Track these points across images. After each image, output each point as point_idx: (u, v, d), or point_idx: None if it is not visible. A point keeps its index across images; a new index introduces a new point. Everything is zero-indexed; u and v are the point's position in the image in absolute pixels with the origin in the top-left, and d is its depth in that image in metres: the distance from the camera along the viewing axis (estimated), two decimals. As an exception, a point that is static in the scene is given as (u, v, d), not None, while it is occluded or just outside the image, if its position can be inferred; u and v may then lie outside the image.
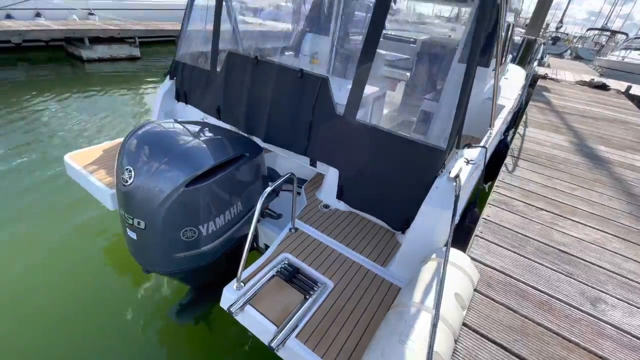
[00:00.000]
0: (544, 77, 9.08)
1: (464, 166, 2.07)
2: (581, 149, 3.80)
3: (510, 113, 4.03)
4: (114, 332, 2.45)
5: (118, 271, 2.90)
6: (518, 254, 1.98)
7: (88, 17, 9.93)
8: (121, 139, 3.14)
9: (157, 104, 3.42)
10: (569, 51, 22.19)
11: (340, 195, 2.43)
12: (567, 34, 28.67)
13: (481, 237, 2.08)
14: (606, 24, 29.44)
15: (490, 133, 2.79)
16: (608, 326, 1.56)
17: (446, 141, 1.97)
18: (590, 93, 7.74)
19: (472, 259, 1.90)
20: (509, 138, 4.13)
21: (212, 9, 2.91)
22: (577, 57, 19.08)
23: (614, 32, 20.08)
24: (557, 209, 2.50)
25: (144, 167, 1.78)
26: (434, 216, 1.92)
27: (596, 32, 22.91)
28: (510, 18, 3.90)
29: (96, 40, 8.85)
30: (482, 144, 2.44)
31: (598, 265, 1.95)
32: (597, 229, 2.30)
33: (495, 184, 2.78)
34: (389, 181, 2.18)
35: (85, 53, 8.61)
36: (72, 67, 8.50)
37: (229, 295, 1.74)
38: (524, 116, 4.89)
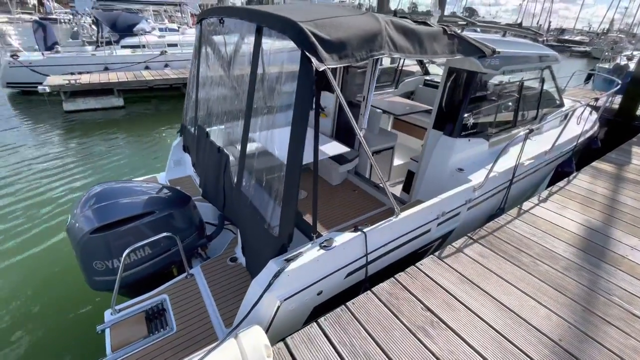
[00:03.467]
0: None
1: (313, 251, 2.11)
2: (589, 239, 3.02)
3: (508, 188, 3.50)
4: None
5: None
6: (339, 354, 1.88)
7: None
8: (156, 175, 4.17)
9: (170, 153, 4.37)
10: None
11: (243, 252, 2.74)
12: None
13: (318, 325, 2.05)
14: None
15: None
16: None
17: (277, 229, 2.08)
18: None
19: (285, 344, 1.94)
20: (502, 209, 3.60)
21: (205, 79, 3.61)
22: None
23: None
24: (449, 313, 2.18)
25: (77, 214, 2.54)
26: (255, 293, 2.01)
27: None
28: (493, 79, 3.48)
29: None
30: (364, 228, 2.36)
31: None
32: (474, 349, 1.93)
33: (407, 269, 2.58)
34: (256, 249, 2.39)
35: (191, 94, 11.01)
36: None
37: (105, 317, 2.29)
38: (563, 183, 4.07)
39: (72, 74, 10.49)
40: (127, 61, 11.59)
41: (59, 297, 3.60)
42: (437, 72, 6.30)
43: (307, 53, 1.85)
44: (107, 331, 2.22)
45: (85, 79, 9.95)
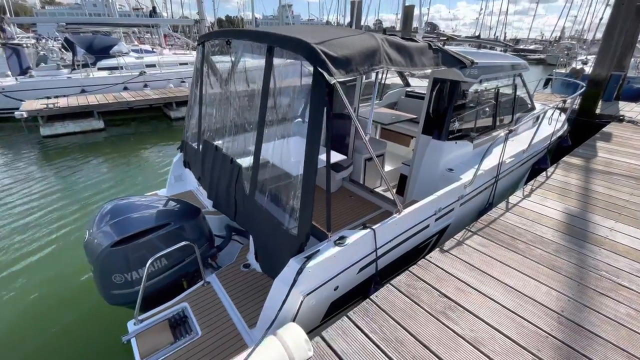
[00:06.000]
0: (620, 119, 7.77)
1: (330, 248, 2.27)
2: (572, 225, 3.36)
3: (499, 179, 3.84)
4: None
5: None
6: (373, 341, 2.05)
7: (180, 84, 12.66)
8: (157, 192, 4.19)
9: (170, 169, 4.42)
10: None
11: (256, 257, 2.86)
12: None
13: (348, 318, 2.22)
14: None
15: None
16: None
17: (296, 229, 2.24)
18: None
19: (322, 337, 2.08)
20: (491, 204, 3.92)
21: (209, 97, 3.74)
22: None
23: None
24: (464, 297, 2.40)
25: (94, 230, 2.60)
26: (281, 291, 2.15)
27: None
28: (475, 86, 3.85)
29: (182, 103, 11.21)
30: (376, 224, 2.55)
31: (449, 368, 1.90)
32: (492, 327, 2.16)
33: (419, 262, 2.79)
34: (274, 252, 2.52)
35: (173, 113, 10.98)
36: (166, 124, 10.93)
37: (129, 328, 2.36)
38: (542, 177, 4.46)
39: (47, 97, 10.21)
40: (105, 82, 11.42)
41: (70, 320, 3.55)
42: (416, 84, 6.73)
43: (319, 69, 2.07)
44: (133, 341, 2.28)
45: (63, 102, 9.71)
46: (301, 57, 2.17)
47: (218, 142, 3.39)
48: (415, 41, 2.99)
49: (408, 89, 6.45)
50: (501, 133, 4.50)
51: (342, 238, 2.38)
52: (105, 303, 2.72)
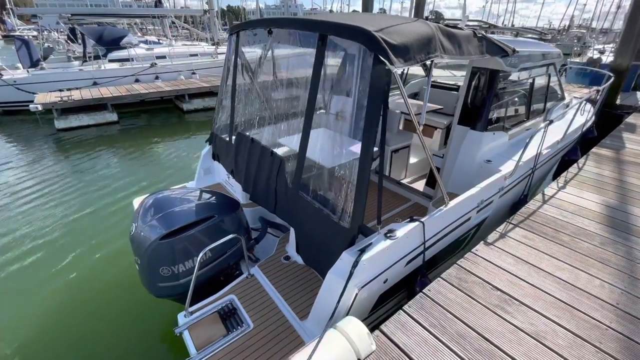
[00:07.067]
0: (641, 110, 7.65)
1: (382, 241, 2.26)
2: (613, 217, 3.33)
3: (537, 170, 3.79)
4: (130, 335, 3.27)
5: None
6: (434, 335, 2.05)
7: (191, 76, 12.56)
8: (185, 184, 4.20)
9: (199, 162, 4.40)
10: None
11: (298, 250, 2.85)
12: None
13: (405, 312, 2.21)
14: None
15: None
16: None
17: (348, 222, 2.22)
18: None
19: (381, 331, 2.08)
20: (527, 195, 3.88)
21: (243, 88, 3.69)
22: None
23: None
24: (518, 290, 2.39)
25: (140, 224, 2.60)
26: (335, 284, 2.14)
27: None
28: (515, 76, 3.78)
29: (194, 95, 11.14)
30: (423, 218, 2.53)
31: (512, 358, 1.89)
32: (551, 320, 2.15)
33: (466, 255, 2.78)
34: (320, 244, 2.52)
35: (185, 106, 10.91)
36: (178, 117, 10.88)
37: (179, 320, 2.37)
38: (574, 169, 4.41)
39: (60, 90, 10.18)
40: (117, 75, 11.36)
41: (110, 318, 3.57)
42: (437, 74, 6.63)
43: (380, 57, 2.02)
44: (186, 333, 2.30)
45: (77, 95, 9.68)
46: (361, 45, 2.12)
47: (254, 134, 3.36)
48: (461, 29, 2.92)
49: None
50: (537, 123, 4.44)
51: (392, 231, 2.36)
52: (144, 296, 2.73)
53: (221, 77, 3.95)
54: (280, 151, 3.07)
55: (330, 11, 36.23)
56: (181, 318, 2.42)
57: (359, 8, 14.02)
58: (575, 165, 4.55)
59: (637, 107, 7.77)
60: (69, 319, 3.52)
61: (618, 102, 8.14)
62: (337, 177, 2.44)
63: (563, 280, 2.49)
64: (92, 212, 5.50)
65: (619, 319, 2.17)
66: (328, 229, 2.40)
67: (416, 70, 6.77)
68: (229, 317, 2.45)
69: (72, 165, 7.26)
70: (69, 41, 14.66)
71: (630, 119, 7.04)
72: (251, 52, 3.45)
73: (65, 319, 3.52)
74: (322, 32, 2.41)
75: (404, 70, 6.11)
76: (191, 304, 2.53)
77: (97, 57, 11.63)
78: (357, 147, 2.30)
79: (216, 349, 2.20)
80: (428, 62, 2.44)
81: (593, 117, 5.78)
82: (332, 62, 2.52)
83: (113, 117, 9.90)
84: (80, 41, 12.83)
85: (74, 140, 8.69)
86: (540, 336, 2.04)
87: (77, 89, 10.56)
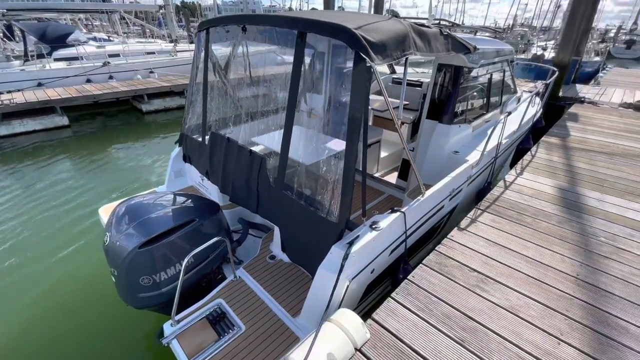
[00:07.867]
0: (581, 101, 8.47)
1: (367, 233, 2.34)
2: (566, 198, 3.68)
3: (498, 158, 4.08)
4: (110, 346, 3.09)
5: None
6: (422, 318, 2.17)
7: (149, 75, 11.92)
8: (154, 189, 3.99)
9: (169, 164, 4.22)
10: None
11: (283, 248, 2.86)
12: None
13: (393, 299, 2.31)
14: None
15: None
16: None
17: (336, 216, 2.28)
18: (634, 119, 7.06)
19: (373, 319, 2.16)
20: (490, 184, 4.17)
21: (216, 86, 3.57)
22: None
23: None
24: (492, 270, 2.58)
25: (115, 234, 2.46)
26: (327, 278, 2.19)
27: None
28: (482, 71, 4.05)
29: (154, 95, 10.58)
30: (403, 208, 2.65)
31: (497, 334, 2.05)
32: (523, 295, 2.36)
33: (443, 241, 2.94)
34: (307, 241, 2.54)
35: (145, 107, 10.34)
36: (137, 118, 10.29)
37: (165, 330, 2.29)
38: (528, 157, 4.79)
39: (-1, 93, 9.21)
40: (64, 75, 10.47)
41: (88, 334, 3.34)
42: (400, 70, 6.86)
43: (361, 54, 2.08)
44: (175, 342, 2.23)
45: (19, 97, 8.81)
46: (341, 43, 2.15)
47: (229, 134, 3.28)
48: (429, 27, 3.06)
49: (394, 76, 6.58)
50: (495, 115, 4.77)
51: (376, 222, 2.44)
52: (121, 309, 2.60)
53: (190, 75, 3.81)
54: (257, 150, 3.04)
55: (290, 9, 35.94)
56: (167, 327, 2.33)
57: (318, 6, 14.08)
58: (529, 153, 4.96)
59: (578, 98, 8.59)
60: (40, 345, 3.24)
61: (561, 94, 8.95)
62: (322, 173, 2.47)
63: (530, 258, 2.72)
64: (52, 228, 5.07)
65: (581, 288, 2.43)
66: (315, 225, 2.43)
67: (379, 67, 6.97)
68: (218, 321, 2.41)
69: (20, 177, 6.62)
70: (4, 39, 13.26)
71: (572, 109, 7.78)
72: (222, 50, 3.37)
73: (35, 345, 3.23)
74: (301, 30, 2.42)
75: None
76: (178, 312, 2.45)
77: (40, 56, 10.63)
78: (338, 143, 2.34)
79: (210, 354, 2.15)
80: (402, 60, 2.54)
81: (541, 109, 6.32)
82: (309, 59, 2.53)
83: (63, 120, 9.14)
84: (18, 39, 11.67)
85: (20, 149, 7.91)
86: (515, 310, 2.23)
87: (19, 90, 9.61)
